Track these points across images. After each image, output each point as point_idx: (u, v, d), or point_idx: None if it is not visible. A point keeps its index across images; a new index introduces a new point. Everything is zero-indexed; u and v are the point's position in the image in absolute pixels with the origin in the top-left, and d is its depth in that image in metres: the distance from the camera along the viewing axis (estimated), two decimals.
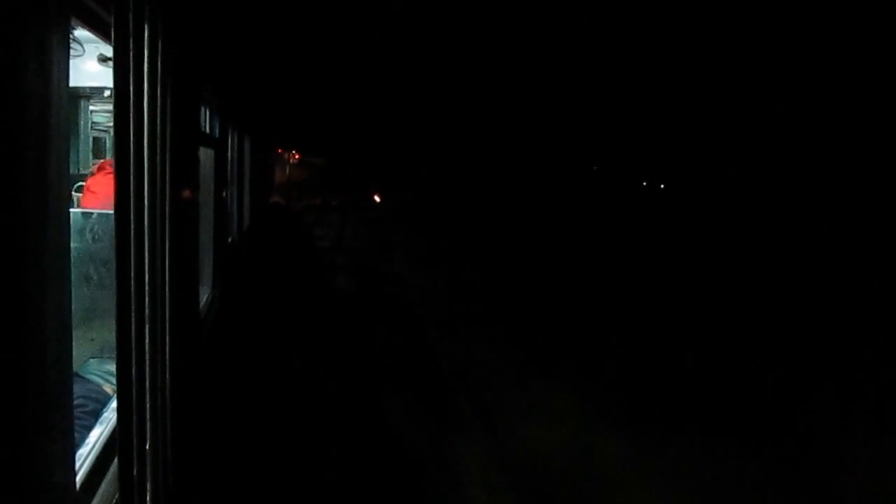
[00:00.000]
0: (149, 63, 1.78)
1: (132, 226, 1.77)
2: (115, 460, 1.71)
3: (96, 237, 3.95)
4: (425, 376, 7.00)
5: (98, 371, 3.56)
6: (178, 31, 2.18)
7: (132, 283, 1.77)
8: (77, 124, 6.96)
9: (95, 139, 8.29)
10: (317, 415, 5.60)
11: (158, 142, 1.95)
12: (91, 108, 7.15)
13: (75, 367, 3.47)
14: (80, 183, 5.67)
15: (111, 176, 1.72)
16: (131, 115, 1.71)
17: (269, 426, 5.24)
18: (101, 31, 1.83)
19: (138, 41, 1.70)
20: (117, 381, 1.67)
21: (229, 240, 6.36)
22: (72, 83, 4.26)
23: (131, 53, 1.66)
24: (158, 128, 1.93)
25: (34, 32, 1.14)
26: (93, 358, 3.76)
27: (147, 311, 1.87)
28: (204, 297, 4.64)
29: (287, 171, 50.16)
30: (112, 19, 1.59)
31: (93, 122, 7.60)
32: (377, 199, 44.44)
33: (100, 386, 3.40)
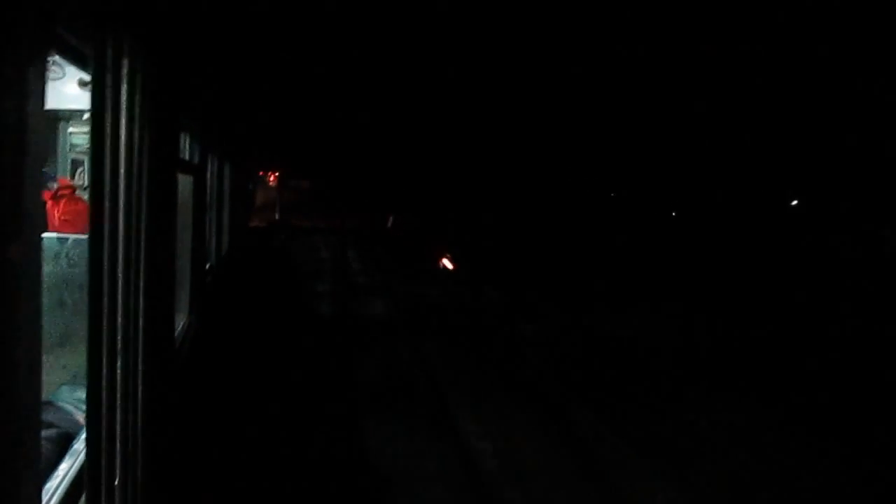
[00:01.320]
0: (127, 92, 1.78)
1: (106, 251, 1.76)
2: (84, 497, 1.67)
3: (72, 262, 3.90)
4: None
5: (70, 399, 3.49)
6: (157, 62, 2.18)
7: (105, 309, 1.74)
8: (55, 147, 6.91)
9: (74, 161, 8.21)
10: (294, 446, 5.52)
11: (135, 168, 1.94)
12: (70, 130, 7.10)
13: (48, 394, 3.40)
14: None
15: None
16: (107, 143, 1.70)
17: (246, 461, 5.13)
18: (80, 61, 1.83)
19: (116, 72, 1.70)
20: (87, 412, 1.64)
21: (207, 266, 6.31)
22: (51, 105, 4.24)
23: (109, 84, 1.66)
24: (136, 154, 1.93)
25: (11, 63, 1.14)
26: (65, 385, 3.69)
27: (120, 338, 1.85)
28: (181, 323, 4.59)
29: (270, 194, 49.81)
30: (92, 53, 1.59)
31: (72, 144, 7.54)
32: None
33: (71, 414, 3.33)
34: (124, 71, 1.75)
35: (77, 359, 3.73)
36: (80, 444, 2.29)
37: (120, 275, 1.89)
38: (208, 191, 5.96)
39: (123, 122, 1.79)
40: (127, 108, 1.80)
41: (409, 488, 5.01)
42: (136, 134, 1.89)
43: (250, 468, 4.98)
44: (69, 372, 3.82)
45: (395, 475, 5.20)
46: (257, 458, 5.13)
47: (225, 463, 4.98)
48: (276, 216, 36.41)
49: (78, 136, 7.48)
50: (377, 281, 16.56)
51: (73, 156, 7.88)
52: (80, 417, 2.91)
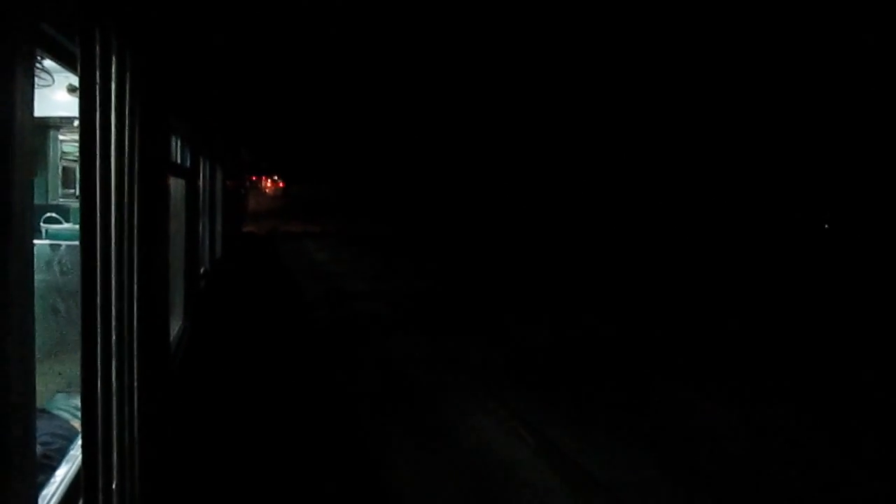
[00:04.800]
0: (116, 93, 1.76)
1: (98, 257, 1.74)
2: (81, 501, 1.66)
3: (64, 269, 3.88)
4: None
5: (65, 406, 3.47)
6: (146, 62, 2.16)
7: (98, 315, 1.73)
8: (46, 154, 6.88)
9: (65, 169, 8.19)
10: (290, 446, 5.52)
11: (126, 172, 1.93)
12: (60, 137, 7.07)
13: (43, 403, 3.39)
14: (49, 214, 5.59)
15: None
16: (97, 145, 1.69)
17: (242, 463, 5.13)
18: (67, 61, 1.81)
19: (105, 71, 1.68)
20: (82, 417, 1.62)
21: (201, 270, 6.29)
22: (41, 113, 4.22)
23: (98, 84, 1.64)
24: (126, 158, 1.91)
25: None
26: (60, 392, 3.67)
27: (114, 344, 1.83)
28: (175, 327, 4.57)
29: (264, 200, 49.64)
30: (78, 50, 1.57)
31: (63, 152, 7.52)
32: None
33: (67, 422, 3.31)
34: (113, 70, 1.73)
35: (72, 366, 3.71)
36: (76, 451, 2.27)
37: (113, 280, 1.87)
38: (201, 195, 5.93)
39: (113, 123, 1.77)
40: (116, 108, 1.78)
41: None
42: (127, 135, 1.88)
43: (246, 471, 4.98)
44: (65, 379, 3.81)
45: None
46: (252, 461, 5.14)
47: (221, 467, 4.97)
48: (270, 221, 36.19)
49: (69, 143, 7.46)
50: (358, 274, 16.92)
51: (64, 163, 7.88)
52: (77, 424, 2.90)
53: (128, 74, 1.84)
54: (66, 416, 3.39)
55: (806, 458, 5.85)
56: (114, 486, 1.76)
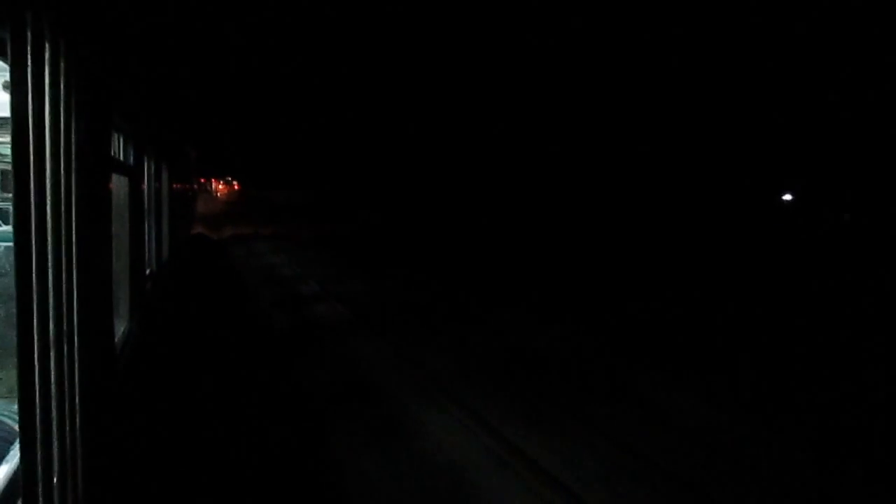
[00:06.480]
0: (50, 84, 1.72)
1: (34, 259, 1.70)
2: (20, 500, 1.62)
3: (3, 272, 3.78)
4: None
5: (6, 411, 3.39)
6: (83, 50, 2.11)
7: (35, 317, 1.69)
8: None
9: (4, 172, 7.92)
10: (233, 449, 5.46)
11: (63, 170, 1.88)
12: None
13: None
14: None
15: None
16: (31, 142, 1.65)
17: (191, 462, 5.07)
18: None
19: (38, 61, 1.64)
20: (20, 417, 1.59)
21: (147, 271, 6.17)
22: None
23: (30, 74, 1.60)
24: (62, 155, 1.87)
25: None
26: (0, 399, 3.58)
27: (52, 344, 1.79)
28: (121, 329, 4.48)
29: (215, 202, 48.72)
30: (8, 38, 1.53)
31: (1, 154, 7.28)
32: None
33: (9, 425, 3.24)
34: (46, 57, 1.69)
35: (13, 372, 3.61)
36: (16, 452, 2.22)
37: (50, 282, 1.83)
38: (146, 194, 5.82)
39: (48, 116, 1.73)
40: (51, 101, 1.74)
41: None
42: (63, 129, 1.83)
43: (194, 469, 4.95)
44: (5, 385, 3.71)
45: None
46: (201, 459, 5.10)
47: (168, 466, 4.92)
48: (222, 223, 35.59)
49: (6, 145, 7.23)
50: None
51: (3, 166, 7.62)
52: (17, 427, 2.83)
53: (62, 65, 1.79)
54: (8, 421, 3.31)
55: None
56: (54, 482, 1.73)
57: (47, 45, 1.69)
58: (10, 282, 3.68)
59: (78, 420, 1.96)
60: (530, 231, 37.21)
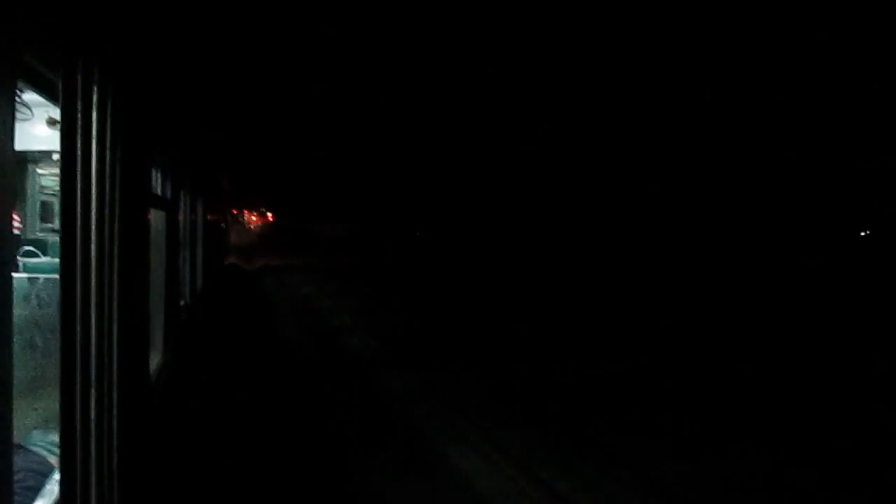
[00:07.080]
0: (97, 123, 1.76)
1: (79, 291, 1.72)
2: None
3: (42, 303, 3.83)
4: None
5: (42, 442, 3.40)
6: (128, 92, 2.16)
7: (78, 349, 1.71)
8: (25, 189, 6.83)
9: (44, 203, 8.13)
10: (274, 477, 5.44)
11: (107, 203, 1.92)
12: (39, 171, 7.04)
13: (19, 438, 3.32)
14: (27, 248, 5.54)
15: None
16: (78, 177, 1.68)
17: (224, 495, 5.06)
18: (48, 92, 1.81)
19: (86, 102, 1.68)
20: (61, 451, 1.60)
21: (182, 303, 6.24)
22: (20, 147, 4.20)
23: (79, 114, 1.64)
24: (107, 189, 1.90)
25: None
26: (36, 429, 3.60)
27: (94, 378, 1.81)
28: (155, 361, 4.52)
29: (247, 233, 49.17)
30: (60, 81, 1.57)
31: (41, 186, 7.47)
32: None
33: (44, 457, 3.25)
34: (94, 99, 1.73)
35: (49, 402, 3.64)
36: (52, 485, 2.23)
37: (93, 314, 1.85)
38: (181, 227, 5.90)
39: (94, 153, 1.77)
40: (97, 139, 1.78)
41: None
42: (108, 167, 1.87)
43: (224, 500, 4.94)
44: (41, 416, 3.74)
45: None
46: (235, 493, 5.09)
47: (202, 498, 4.91)
48: (253, 255, 35.88)
49: (47, 177, 7.42)
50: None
51: (42, 198, 7.83)
52: (53, 461, 2.84)
53: (109, 106, 1.84)
54: (42, 452, 3.32)
55: None
56: None
57: (95, 88, 1.73)
58: (48, 313, 3.72)
59: (115, 455, 1.97)
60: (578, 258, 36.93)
